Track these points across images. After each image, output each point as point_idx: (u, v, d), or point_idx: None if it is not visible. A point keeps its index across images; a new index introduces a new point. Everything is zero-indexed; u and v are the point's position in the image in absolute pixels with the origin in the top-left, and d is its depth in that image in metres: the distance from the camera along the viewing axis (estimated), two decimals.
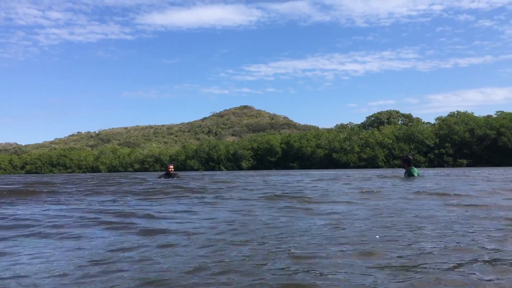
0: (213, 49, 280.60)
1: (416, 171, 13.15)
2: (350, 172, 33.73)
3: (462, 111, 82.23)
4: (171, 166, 16.68)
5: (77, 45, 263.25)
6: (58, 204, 6.86)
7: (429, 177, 13.83)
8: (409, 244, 3.15)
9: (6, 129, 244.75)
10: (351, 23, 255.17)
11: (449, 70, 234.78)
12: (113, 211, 5.54)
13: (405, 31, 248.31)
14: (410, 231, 3.70)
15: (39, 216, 5.15)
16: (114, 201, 7.21)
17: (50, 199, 7.87)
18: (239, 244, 3.25)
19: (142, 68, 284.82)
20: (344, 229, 3.86)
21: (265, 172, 44.75)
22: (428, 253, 2.88)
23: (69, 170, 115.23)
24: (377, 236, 3.45)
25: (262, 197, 7.39)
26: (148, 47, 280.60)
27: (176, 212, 5.44)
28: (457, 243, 3.16)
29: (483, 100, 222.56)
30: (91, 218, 4.83)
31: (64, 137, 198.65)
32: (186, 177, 20.09)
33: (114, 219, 4.73)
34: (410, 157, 13.35)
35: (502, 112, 77.79)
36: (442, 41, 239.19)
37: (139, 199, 7.53)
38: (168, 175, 16.43)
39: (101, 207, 6.06)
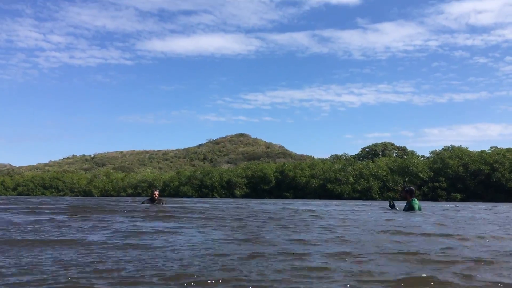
0: (211, 77, 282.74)
1: (417, 203, 12.64)
2: (341, 202, 33.47)
3: (457, 145, 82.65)
4: (156, 192, 16.54)
5: (77, 68, 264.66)
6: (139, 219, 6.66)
7: (431, 211, 13.41)
8: None
9: (0, 150, 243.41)
10: (348, 56, 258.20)
11: (444, 104, 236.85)
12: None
13: (401, 65, 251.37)
14: None
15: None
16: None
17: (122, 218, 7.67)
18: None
19: (140, 93, 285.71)
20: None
21: (251, 201, 44.40)
22: None
23: (61, 193, 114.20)
24: None
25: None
26: (147, 72, 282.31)
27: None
28: None
29: (478, 136, 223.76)
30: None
31: (59, 160, 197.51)
32: (171, 203, 19.85)
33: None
34: (413, 188, 12.95)
35: (496, 147, 78.19)
36: (437, 76, 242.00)
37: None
38: (152, 200, 16.25)
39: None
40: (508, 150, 74.66)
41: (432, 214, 11.95)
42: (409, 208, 12.45)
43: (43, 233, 5.65)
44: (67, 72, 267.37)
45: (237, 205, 20.50)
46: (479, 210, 17.28)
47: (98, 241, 4.88)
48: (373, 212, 13.33)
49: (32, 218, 8.51)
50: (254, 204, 24.63)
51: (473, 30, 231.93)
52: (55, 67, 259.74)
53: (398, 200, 60.39)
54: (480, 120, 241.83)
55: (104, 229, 6.28)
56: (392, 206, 13.74)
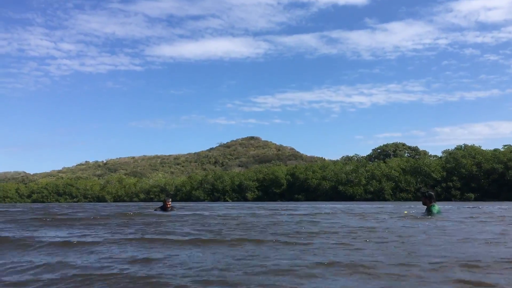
0: (220, 81, 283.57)
1: (436, 208, 12.37)
2: (356, 205, 33.32)
3: (469, 144, 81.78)
4: (169, 202, 16.80)
5: (87, 75, 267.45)
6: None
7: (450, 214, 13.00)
8: None
9: (15, 158, 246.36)
10: (357, 56, 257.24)
11: (455, 103, 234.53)
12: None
13: (411, 65, 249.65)
14: None
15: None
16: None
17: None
18: None
19: (150, 98, 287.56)
20: None
21: (261, 204, 44.45)
22: None
23: (75, 199, 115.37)
24: None
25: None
26: (156, 78, 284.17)
27: None
28: None
29: (490, 134, 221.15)
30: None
31: (72, 166, 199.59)
32: (182, 210, 20.00)
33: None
34: (432, 193, 12.59)
35: (510, 145, 77.19)
36: (448, 74, 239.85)
37: None
38: (164, 209, 16.45)
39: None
40: None
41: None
42: (428, 213, 12.20)
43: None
44: (78, 80, 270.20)
45: (266, 212, 20.45)
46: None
47: None
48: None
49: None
50: (275, 208, 24.55)
51: (483, 27, 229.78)
52: (66, 75, 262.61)
53: (411, 200, 59.69)
54: (493, 118, 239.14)
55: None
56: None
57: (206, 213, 16.91)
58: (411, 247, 5.53)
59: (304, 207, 26.24)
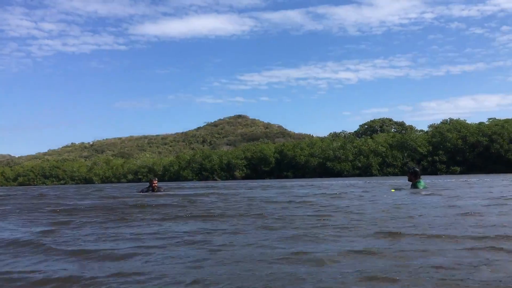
0: (206, 59, 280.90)
1: (422, 184, 12.61)
2: (348, 181, 33.49)
3: (455, 118, 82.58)
4: (155, 181, 16.64)
5: (70, 56, 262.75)
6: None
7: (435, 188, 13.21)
8: None
9: None
10: (343, 32, 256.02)
11: (441, 77, 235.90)
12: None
13: (397, 39, 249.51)
14: None
15: None
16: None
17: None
18: None
19: (136, 78, 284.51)
20: None
21: (251, 183, 44.53)
22: None
23: (62, 181, 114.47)
24: None
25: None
26: (141, 57, 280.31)
27: None
28: None
29: (475, 107, 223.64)
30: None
31: (58, 148, 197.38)
32: (170, 190, 19.88)
33: None
34: (417, 169, 12.93)
35: (494, 119, 78.12)
36: (434, 48, 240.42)
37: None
38: (151, 189, 16.30)
39: None
40: (506, 121, 74.60)
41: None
42: (414, 188, 12.46)
43: None
44: (61, 60, 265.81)
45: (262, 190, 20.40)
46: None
47: None
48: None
49: None
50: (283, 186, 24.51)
51: (469, 0, 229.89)
52: (49, 55, 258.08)
53: (398, 175, 60.39)
54: (478, 91, 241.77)
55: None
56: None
57: (227, 191, 16.76)
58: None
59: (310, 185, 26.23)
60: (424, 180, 13.25)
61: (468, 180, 26.70)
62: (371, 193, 12.73)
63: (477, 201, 8.62)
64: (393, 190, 12.67)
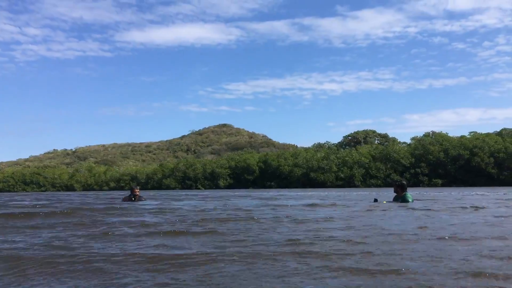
0: (192, 67, 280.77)
1: (410, 197, 12.36)
2: (326, 192, 33.51)
3: (437, 131, 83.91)
4: (137, 190, 16.40)
5: (55, 61, 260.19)
6: None
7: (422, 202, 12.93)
8: None
9: None
10: (328, 44, 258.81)
11: (424, 90, 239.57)
12: None
13: (381, 52, 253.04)
14: None
15: None
16: None
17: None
18: None
19: (120, 85, 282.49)
20: None
21: (233, 192, 44.37)
22: None
23: (42, 188, 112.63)
24: None
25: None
26: (126, 64, 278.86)
27: None
28: None
29: (457, 121, 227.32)
30: None
31: (40, 155, 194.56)
32: (151, 199, 19.66)
33: None
34: (404, 182, 12.66)
35: (476, 132, 79.44)
36: (417, 62, 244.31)
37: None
38: (132, 197, 16.06)
39: None
40: (487, 135, 75.93)
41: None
42: (403, 201, 12.26)
43: None
44: (45, 65, 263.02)
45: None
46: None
47: None
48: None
49: None
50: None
51: (451, 16, 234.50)
52: (32, 60, 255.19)
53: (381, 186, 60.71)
54: (459, 105, 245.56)
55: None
56: (376, 201, 13.37)
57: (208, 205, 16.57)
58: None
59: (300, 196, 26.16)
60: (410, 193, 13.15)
61: (452, 193, 26.97)
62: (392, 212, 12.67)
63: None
64: (384, 202, 12.61)
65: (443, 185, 69.45)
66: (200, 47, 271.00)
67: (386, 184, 71.10)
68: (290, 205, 12.59)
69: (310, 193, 31.71)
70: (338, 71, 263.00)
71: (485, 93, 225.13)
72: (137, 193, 16.29)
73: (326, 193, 31.45)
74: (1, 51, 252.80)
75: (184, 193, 42.26)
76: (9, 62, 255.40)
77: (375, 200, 13.36)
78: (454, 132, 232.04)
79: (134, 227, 6.57)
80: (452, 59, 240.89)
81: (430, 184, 70.86)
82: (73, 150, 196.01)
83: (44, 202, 19.60)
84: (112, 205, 14.13)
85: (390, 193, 19.63)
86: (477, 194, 23.31)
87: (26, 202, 19.19)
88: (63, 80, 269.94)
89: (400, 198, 12.33)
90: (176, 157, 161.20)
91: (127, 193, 19.60)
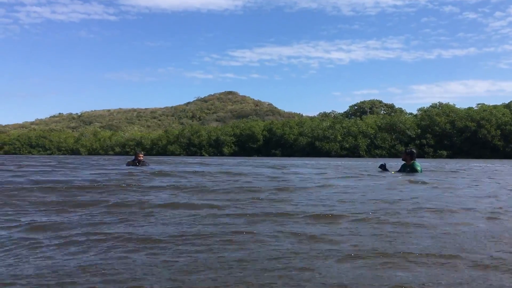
0: (197, 33, 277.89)
1: (419, 166, 11.92)
2: (335, 162, 33.48)
3: (444, 102, 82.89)
4: (141, 155, 16.47)
5: (59, 24, 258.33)
6: None
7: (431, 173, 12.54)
8: None
9: None
10: (337, 11, 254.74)
11: (433, 61, 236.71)
12: None
13: (390, 21, 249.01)
14: None
15: None
16: None
17: None
18: None
19: (125, 50, 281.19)
20: None
21: (235, 160, 44.47)
22: None
23: (48, 151, 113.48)
24: None
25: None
26: (131, 28, 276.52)
27: None
28: None
29: (465, 92, 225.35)
30: None
31: (45, 118, 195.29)
32: (153, 164, 19.67)
33: None
34: (414, 150, 12.11)
35: (483, 104, 78.55)
36: (426, 32, 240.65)
37: None
38: (136, 162, 16.10)
39: None
40: (494, 107, 75.07)
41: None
42: (411, 170, 11.83)
43: None
44: (50, 28, 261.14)
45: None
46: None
47: None
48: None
49: None
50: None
51: None
52: (37, 23, 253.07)
53: (386, 157, 60.69)
54: (468, 76, 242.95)
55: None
56: (384, 168, 13.04)
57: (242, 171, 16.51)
58: None
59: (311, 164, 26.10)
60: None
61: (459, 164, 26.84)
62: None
63: None
64: (393, 172, 12.26)
65: (448, 156, 69.21)
66: (206, 13, 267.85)
67: (391, 155, 70.97)
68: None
69: (322, 161, 31.66)
70: (346, 39, 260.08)
71: (494, 65, 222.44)
72: (141, 158, 16.38)
73: (340, 162, 31.37)
74: (6, 12, 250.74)
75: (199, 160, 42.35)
76: (14, 24, 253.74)
77: (382, 166, 13.11)
78: (462, 103, 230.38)
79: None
80: (463, 29, 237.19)
81: (435, 156, 70.64)
82: (79, 114, 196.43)
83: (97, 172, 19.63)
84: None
85: (395, 162, 19.51)
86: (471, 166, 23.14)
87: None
88: (68, 43, 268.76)
89: (409, 166, 11.89)
90: (181, 123, 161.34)
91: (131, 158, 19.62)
